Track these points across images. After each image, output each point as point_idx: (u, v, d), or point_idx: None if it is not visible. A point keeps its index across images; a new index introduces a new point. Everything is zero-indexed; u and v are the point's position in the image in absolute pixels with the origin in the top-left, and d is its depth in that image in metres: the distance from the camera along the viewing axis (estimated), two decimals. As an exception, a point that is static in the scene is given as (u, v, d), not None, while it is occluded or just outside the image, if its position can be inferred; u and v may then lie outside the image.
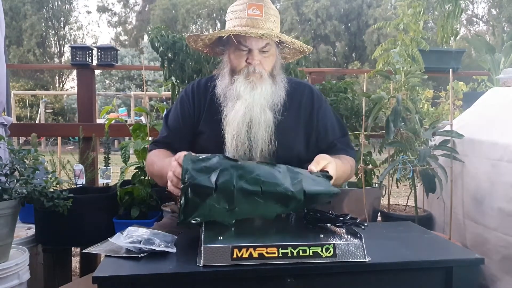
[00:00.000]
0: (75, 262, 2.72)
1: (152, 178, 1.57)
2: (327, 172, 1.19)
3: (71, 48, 3.06)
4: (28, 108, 13.73)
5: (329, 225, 1.13)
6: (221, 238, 0.99)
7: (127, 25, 26.90)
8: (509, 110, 1.81)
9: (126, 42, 25.36)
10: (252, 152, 1.38)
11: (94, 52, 3.10)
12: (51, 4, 21.40)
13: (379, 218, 2.24)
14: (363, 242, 0.99)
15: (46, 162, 1.93)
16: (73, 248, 2.45)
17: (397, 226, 1.37)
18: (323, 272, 0.97)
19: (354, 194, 2.11)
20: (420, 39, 2.54)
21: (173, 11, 21.83)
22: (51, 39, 21.89)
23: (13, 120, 2.72)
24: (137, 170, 2.13)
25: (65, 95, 15.27)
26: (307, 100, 1.51)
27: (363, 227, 1.06)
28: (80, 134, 2.40)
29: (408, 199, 2.37)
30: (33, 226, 2.11)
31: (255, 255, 0.95)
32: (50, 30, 21.53)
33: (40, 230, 2.05)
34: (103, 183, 2.30)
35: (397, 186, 2.39)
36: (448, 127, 1.89)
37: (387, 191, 2.28)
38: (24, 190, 1.62)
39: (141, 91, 13.06)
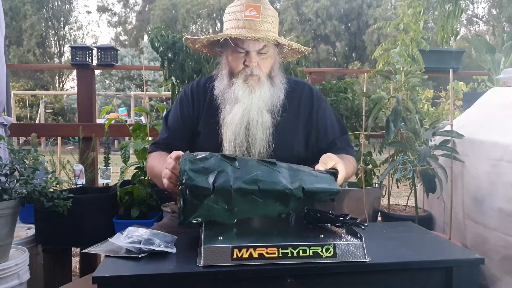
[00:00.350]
0: (75, 262, 2.72)
1: (152, 179, 1.58)
2: (335, 170, 1.18)
3: (71, 48, 3.06)
4: (28, 108, 13.73)
5: (329, 225, 1.13)
6: (221, 238, 0.99)
7: (127, 25, 26.92)
8: (509, 110, 1.81)
9: (126, 42, 25.37)
10: (250, 153, 1.39)
11: (94, 52, 3.10)
12: (51, 4, 21.40)
13: (379, 218, 2.24)
14: (363, 242, 0.99)
15: (46, 162, 1.93)
16: (73, 248, 2.45)
17: (397, 226, 1.37)
18: (323, 272, 0.97)
19: (354, 194, 2.11)
20: (420, 39, 2.54)
21: (173, 11, 21.83)
22: (51, 39, 21.89)
23: (13, 120, 2.72)
24: (137, 170, 2.13)
25: (65, 95, 15.28)
26: (307, 100, 1.51)
27: (363, 227, 1.05)
28: (80, 134, 2.40)
29: (408, 199, 2.37)
30: (33, 226, 2.11)
31: (255, 255, 0.95)
32: (50, 30, 21.53)
33: (40, 230, 2.05)
34: (103, 183, 2.30)
35: (397, 186, 2.39)
36: (448, 127, 1.89)
37: (387, 191, 2.28)
38: (24, 190, 1.62)
39: (141, 91, 13.06)
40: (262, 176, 1.04)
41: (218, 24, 21.69)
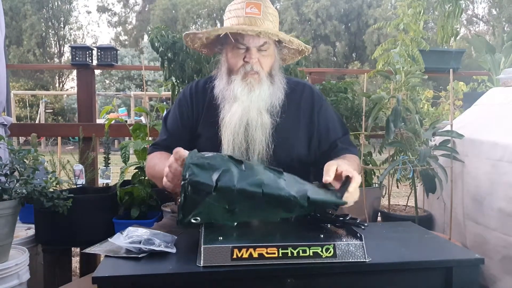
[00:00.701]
0: (75, 262, 2.72)
1: (152, 180, 1.57)
2: (349, 178, 1.13)
3: (71, 48, 3.06)
4: (28, 108, 13.73)
5: (329, 225, 1.12)
6: (221, 238, 0.99)
7: (127, 25, 26.91)
8: (509, 110, 1.81)
9: (126, 42, 25.36)
10: (249, 154, 1.37)
11: (94, 52, 3.10)
12: (51, 4, 21.40)
13: (379, 218, 2.24)
14: (363, 242, 0.99)
15: (46, 162, 1.92)
16: (73, 248, 2.45)
17: (397, 226, 1.37)
18: (323, 272, 0.97)
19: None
20: (420, 39, 2.54)
21: (173, 11, 21.82)
22: (51, 39, 21.89)
23: (13, 120, 2.72)
24: (137, 170, 2.13)
25: (65, 95, 15.27)
26: (307, 101, 1.50)
27: (363, 227, 1.05)
28: (80, 134, 2.40)
29: (408, 199, 2.37)
30: (33, 226, 2.11)
31: (255, 255, 0.95)
32: (50, 30, 21.52)
33: (40, 230, 2.05)
34: (103, 183, 2.30)
35: (397, 186, 2.39)
36: (448, 127, 1.89)
37: (387, 191, 2.28)
38: (24, 190, 1.62)
39: (141, 91, 13.06)
40: (267, 181, 1.02)
41: (218, 25, 21.66)
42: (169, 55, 2.27)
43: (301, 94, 1.51)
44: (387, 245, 1.12)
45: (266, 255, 0.95)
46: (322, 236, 1.02)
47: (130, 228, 1.11)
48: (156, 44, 2.27)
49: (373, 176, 2.36)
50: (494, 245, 1.64)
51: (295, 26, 19.35)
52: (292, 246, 0.96)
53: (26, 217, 2.27)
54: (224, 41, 1.43)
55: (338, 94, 2.37)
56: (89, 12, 40.11)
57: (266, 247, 0.95)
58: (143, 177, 2.10)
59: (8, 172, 1.64)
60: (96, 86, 3.24)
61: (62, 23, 22.07)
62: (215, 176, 1.00)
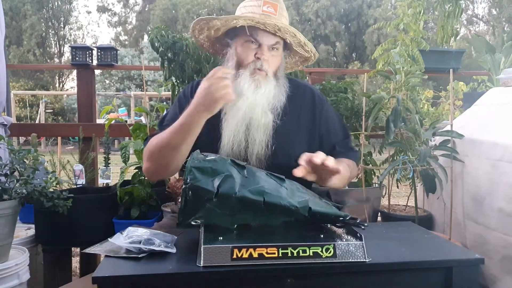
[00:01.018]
0: (75, 262, 2.72)
1: (156, 161, 1.37)
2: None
3: (71, 48, 3.06)
4: (28, 108, 13.73)
5: (329, 225, 1.12)
6: (221, 238, 0.99)
7: (127, 25, 26.92)
8: (509, 110, 1.81)
9: (126, 42, 25.37)
10: (248, 153, 1.36)
11: (94, 52, 3.10)
12: (51, 4, 21.40)
13: (379, 218, 2.24)
14: (363, 242, 0.98)
15: (46, 162, 1.93)
16: (73, 248, 2.45)
17: (397, 226, 1.37)
18: (323, 272, 0.97)
19: (354, 194, 2.11)
20: (420, 39, 2.54)
21: (173, 11, 21.82)
22: (51, 39, 21.89)
23: (13, 120, 2.72)
24: (137, 170, 2.13)
25: (65, 95, 15.27)
26: (308, 103, 1.50)
27: (363, 227, 1.05)
28: (80, 134, 2.40)
29: (408, 199, 2.37)
30: (33, 226, 2.11)
31: (255, 255, 0.94)
32: (50, 30, 21.52)
33: (40, 230, 2.05)
34: (103, 183, 2.30)
35: (397, 186, 2.39)
36: (448, 127, 1.89)
37: (387, 191, 2.28)
38: (24, 190, 1.62)
39: (141, 91, 13.06)
40: (269, 189, 1.02)
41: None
42: (169, 55, 2.27)
43: (302, 97, 1.50)
44: (387, 245, 1.12)
45: (266, 255, 0.95)
46: (322, 236, 1.02)
47: (130, 228, 1.11)
48: (156, 44, 2.27)
49: (373, 176, 2.36)
50: (494, 245, 1.64)
51: (295, 26, 19.15)
52: (292, 246, 0.96)
53: (26, 217, 2.27)
54: (235, 34, 1.42)
55: (338, 94, 2.37)
56: (89, 12, 40.20)
57: (266, 247, 0.95)
58: (143, 177, 2.10)
59: (8, 172, 1.64)
60: (96, 86, 3.24)
61: (62, 23, 22.08)
62: (216, 182, 0.99)
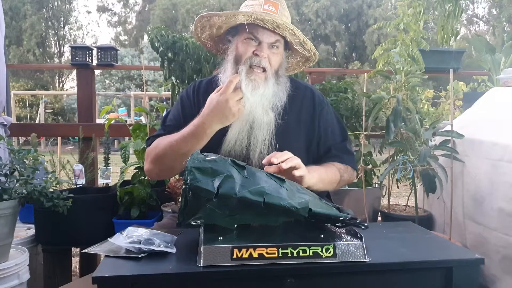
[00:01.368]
0: (75, 262, 2.72)
1: (161, 164, 1.41)
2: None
3: (71, 48, 3.06)
4: (28, 108, 13.73)
5: (329, 225, 1.12)
6: (221, 238, 0.99)
7: (127, 25, 26.93)
8: (509, 110, 1.81)
9: (126, 42, 25.37)
10: (250, 152, 1.36)
11: (94, 52, 3.10)
12: (51, 4, 21.40)
13: (379, 218, 2.24)
14: (363, 242, 0.98)
15: (46, 162, 1.93)
16: (73, 248, 2.45)
17: (397, 226, 1.37)
18: (323, 272, 0.97)
19: (354, 194, 2.12)
20: (420, 39, 2.54)
21: (173, 11, 21.82)
22: (51, 39, 21.89)
23: (13, 120, 2.72)
24: (137, 170, 2.13)
25: (65, 95, 15.26)
26: (309, 104, 1.50)
27: (363, 227, 1.05)
28: (80, 134, 2.40)
29: (408, 199, 2.37)
30: (33, 226, 2.11)
31: (255, 255, 0.94)
32: (50, 30, 21.52)
33: (40, 230, 2.05)
34: (103, 183, 2.30)
35: (397, 186, 2.39)
36: (448, 127, 1.89)
37: (387, 191, 2.28)
38: (24, 190, 1.62)
39: (141, 91, 13.06)
40: (269, 189, 1.02)
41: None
42: (169, 55, 2.28)
43: (302, 97, 1.50)
44: (387, 245, 1.12)
45: (266, 255, 0.95)
46: (322, 236, 1.02)
47: (130, 228, 1.11)
48: (156, 44, 2.27)
49: (373, 176, 2.36)
50: (494, 245, 1.64)
51: (295, 26, 19.32)
52: (292, 246, 0.96)
53: (26, 217, 2.27)
54: (236, 32, 1.43)
55: (338, 94, 2.37)
56: (89, 12, 40.06)
57: (266, 247, 0.95)
58: (143, 177, 2.10)
59: (8, 172, 1.64)
60: (96, 86, 3.24)
61: (62, 23, 22.09)
62: (216, 182, 0.99)
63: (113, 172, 2.54)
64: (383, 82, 2.83)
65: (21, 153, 1.68)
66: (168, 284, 0.94)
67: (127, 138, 3.38)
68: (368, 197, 2.05)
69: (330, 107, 1.58)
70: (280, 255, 0.95)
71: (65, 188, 2.13)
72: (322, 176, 1.38)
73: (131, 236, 1.06)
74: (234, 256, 0.94)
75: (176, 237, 1.11)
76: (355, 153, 1.59)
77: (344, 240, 1.00)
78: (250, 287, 0.98)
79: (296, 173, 1.23)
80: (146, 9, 25.57)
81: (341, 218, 1.06)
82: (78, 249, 2.71)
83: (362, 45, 19.83)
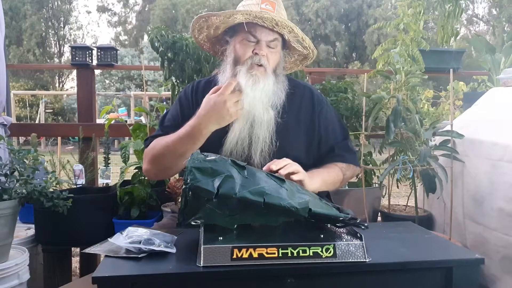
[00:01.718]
0: (75, 262, 2.72)
1: (159, 165, 1.40)
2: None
3: (71, 48, 3.06)
4: (28, 108, 13.72)
5: (329, 225, 1.12)
6: (221, 238, 0.99)
7: (127, 25, 26.93)
8: (509, 110, 1.81)
9: (126, 42, 25.36)
10: (252, 151, 1.36)
11: (94, 52, 3.10)
12: (51, 4, 21.40)
13: (379, 218, 2.24)
14: (363, 242, 0.98)
15: (46, 162, 1.92)
16: (73, 248, 2.45)
17: (397, 226, 1.37)
18: (323, 272, 0.97)
19: (354, 194, 2.12)
20: (420, 39, 2.54)
21: (173, 11, 21.82)
22: (51, 39, 21.89)
23: (13, 120, 2.72)
24: (137, 170, 2.13)
25: (65, 95, 15.26)
26: (308, 103, 1.50)
27: (363, 227, 1.05)
28: (80, 134, 2.40)
29: (408, 199, 2.37)
30: (33, 226, 2.11)
31: (255, 255, 0.94)
32: (50, 30, 21.52)
33: (40, 230, 2.05)
34: (103, 183, 2.30)
35: (397, 186, 2.39)
36: (448, 127, 1.89)
37: (387, 191, 2.28)
38: (24, 190, 1.62)
39: (141, 91, 13.06)
40: (269, 189, 1.02)
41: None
42: (169, 55, 2.27)
43: (301, 97, 1.50)
44: (387, 245, 1.12)
45: (266, 255, 0.95)
46: (322, 236, 1.02)
47: (130, 228, 1.11)
48: (156, 44, 2.27)
49: (373, 176, 2.36)
50: (494, 245, 1.63)
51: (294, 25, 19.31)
52: (292, 246, 0.96)
53: (26, 217, 2.26)
54: (233, 32, 1.43)
55: (338, 94, 2.37)
56: (89, 12, 40.03)
57: (266, 247, 0.95)
58: (143, 177, 2.10)
59: (8, 172, 1.64)
60: (96, 86, 3.24)
61: (62, 23, 22.08)
62: (216, 183, 0.99)
63: (113, 172, 2.54)
64: (383, 82, 2.83)
65: (21, 153, 1.68)
66: (168, 284, 0.94)
67: (127, 138, 3.38)
68: (368, 197, 2.05)
69: (329, 106, 1.58)
70: (280, 255, 0.95)
71: (65, 188, 2.13)
72: (324, 178, 1.39)
73: (131, 236, 1.06)
74: (234, 256, 0.94)
75: (176, 237, 1.11)
76: (356, 158, 1.59)
77: (344, 240, 1.00)
78: (250, 287, 0.98)
79: (295, 177, 1.23)
80: (146, 9, 25.57)
81: (341, 218, 1.06)
82: (78, 249, 2.71)
83: (362, 45, 19.83)
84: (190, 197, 0.99)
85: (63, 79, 21.45)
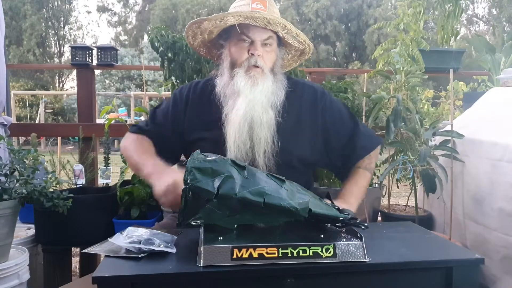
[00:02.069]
0: (75, 262, 2.72)
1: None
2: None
3: (71, 48, 3.06)
4: (28, 108, 13.72)
5: (329, 225, 1.12)
6: (221, 238, 0.99)
7: (127, 25, 26.93)
8: (509, 110, 1.81)
9: (126, 42, 25.36)
10: (255, 152, 1.34)
11: (94, 52, 3.10)
12: (51, 4, 21.40)
13: (379, 218, 2.24)
14: (363, 242, 0.98)
15: (46, 162, 1.92)
16: (73, 248, 2.45)
17: (397, 226, 1.37)
18: (323, 272, 0.97)
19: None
20: (420, 39, 2.54)
21: (173, 11, 21.82)
22: (51, 39, 21.89)
23: (13, 120, 2.72)
24: (137, 170, 2.12)
25: (65, 95, 15.26)
26: (309, 100, 1.48)
27: (363, 227, 1.05)
28: (80, 134, 2.40)
29: (408, 199, 2.37)
30: (33, 226, 2.11)
31: (255, 255, 0.94)
32: (50, 30, 21.52)
33: (40, 230, 2.05)
34: (103, 183, 2.30)
35: (397, 186, 2.38)
36: (448, 127, 1.89)
37: (387, 191, 2.28)
38: (24, 190, 1.62)
39: (141, 91, 13.05)
40: (269, 190, 1.01)
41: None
42: (169, 55, 2.27)
43: (301, 94, 1.48)
44: (387, 245, 1.12)
45: (266, 255, 0.95)
46: (322, 236, 1.02)
47: (130, 228, 1.11)
48: (156, 44, 2.27)
49: (373, 176, 2.35)
50: (494, 245, 1.64)
51: (296, 26, 19.31)
52: (292, 246, 0.96)
53: (26, 217, 2.26)
54: (227, 35, 1.42)
55: (338, 94, 2.37)
56: (89, 12, 40.17)
57: (266, 247, 0.95)
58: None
59: (8, 172, 1.64)
60: (96, 86, 3.24)
61: (62, 23, 22.09)
62: (216, 183, 0.99)
63: (113, 172, 2.54)
64: (383, 82, 2.83)
65: (21, 153, 1.68)
66: (168, 284, 0.94)
67: (127, 138, 3.37)
68: (368, 197, 2.05)
69: (332, 98, 1.55)
70: (280, 255, 0.95)
71: (65, 188, 2.13)
72: (356, 193, 1.42)
73: (131, 236, 1.06)
74: (234, 256, 0.94)
75: (176, 237, 1.11)
76: (379, 140, 1.58)
77: (344, 240, 1.00)
78: (250, 287, 0.98)
79: None
80: (146, 9, 25.58)
81: (341, 218, 1.06)
82: (78, 249, 2.71)
83: (362, 45, 19.83)
84: (190, 197, 0.99)
85: (63, 79, 21.47)
